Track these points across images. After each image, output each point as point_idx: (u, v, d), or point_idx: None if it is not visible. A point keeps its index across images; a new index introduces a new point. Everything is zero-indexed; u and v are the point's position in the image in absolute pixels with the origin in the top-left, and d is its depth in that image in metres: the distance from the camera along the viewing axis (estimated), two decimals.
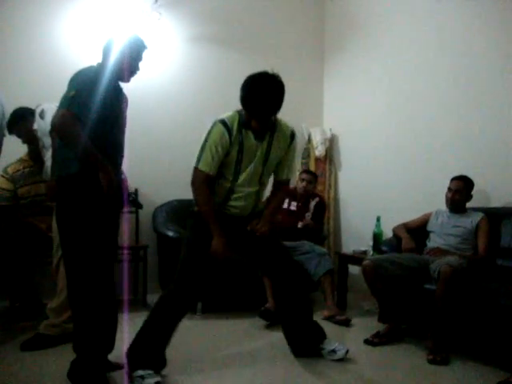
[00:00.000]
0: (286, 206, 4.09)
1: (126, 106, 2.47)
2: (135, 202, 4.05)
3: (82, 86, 2.17)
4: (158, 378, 2.29)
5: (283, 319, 2.80)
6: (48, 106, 2.83)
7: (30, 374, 2.46)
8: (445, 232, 3.28)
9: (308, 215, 4.14)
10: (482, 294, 2.73)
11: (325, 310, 3.66)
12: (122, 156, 2.44)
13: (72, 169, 2.21)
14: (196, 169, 2.45)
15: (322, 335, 2.80)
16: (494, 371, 2.59)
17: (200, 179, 2.44)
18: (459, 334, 2.92)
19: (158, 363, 2.40)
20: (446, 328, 2.82)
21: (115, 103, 2.33)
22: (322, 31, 5.23)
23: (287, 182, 2.75)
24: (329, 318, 3.57)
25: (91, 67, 2.30)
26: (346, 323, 3.49)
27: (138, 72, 2.42)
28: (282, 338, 3.16)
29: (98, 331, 2.24)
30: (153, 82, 4.30)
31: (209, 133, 2.45)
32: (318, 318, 3.63)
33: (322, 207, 4.27)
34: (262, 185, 2.62)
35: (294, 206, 4.14)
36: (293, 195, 4.15)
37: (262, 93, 2.34)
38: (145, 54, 2.43)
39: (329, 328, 3.43)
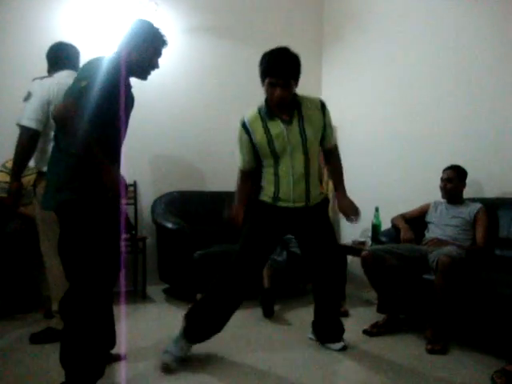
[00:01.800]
0: None
1: (133, 103, 2.32)
2: (129, 225, 4.04)
3: (94, 77, 1.98)
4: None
5: (318, 309, 2.85)
6: (36, 86, 2.69)
7: (36, 366, 2.47)
8: (443, 223, 3.29)
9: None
10: (480, 284, 2.75)
11: None
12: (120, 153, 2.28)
13: (64, 196, 2.02)
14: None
15: (338, 336, 2.83)
16: (492, 360, 2.61)
17: (238, 175, 2.68)
18: (457, 323, 2.93)
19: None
20: (444, 318, 2.84)
21: (125, 99, 2.16)
22: (321, 21, 5.20)
23: (335, 147, 2.77)
24: None
25: (105, 58, 2.09)
26: (345, 315, 3.50)
27: (157, 69, 2.27)
28: (279, 328, 3.20)
29: (98, 337, 2.08)
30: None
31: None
32: None
33: None
34: (309, 169, 2.54)
35: None
36: None
37: (276, 50, 2.44)
38: (164, 51, 2.28)
39: None
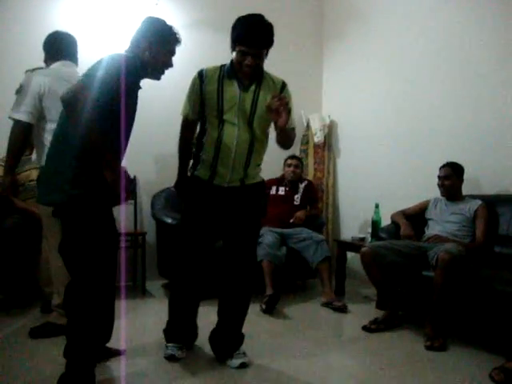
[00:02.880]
0: (273, 191, 4.15)
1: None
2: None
3: (109, 73, 1.92)
4: (173, 352, 2.51)
5: (220, 311, 2.60)
6: (27, 78, 2.66)
7: (36, 361, 2.46)
8: (443, 219, 3.29)
9: (297, 197, 4.18)
10: (480, 281, 2.74)
11: (322, 297, 3.69)
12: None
13: (75, 191, 1.97)
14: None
15: (235, 347, 2.54)
16: (491, 357, 2.61)
17: (181, 124, 2.56)
18: (457, 320, 2.94)
19: (182, 338, 2.60)
20: (443, 314, 2.84)
21: (135, 98, 2.15)
22: (322, 17, 5.19)
23: (291, 130, 2.47)
24: (326, 305, 3.59)
25: (119, 56, 2.01)
26: (344, 309, 3.50)
27: (170, 68, 2.22)
28: (278, 324, 3.20)
29: (96, 333, 2.09)
30: None
31: None
32: (316, 304, 3.68)
33: (311, 188, 4.33)
34: (253, 145, 2.40)
35: (282, 191, 4.17)
36: (280, 181, 4.20)
37: (251, 17, 2.41)
38: (178, 49, 2.24)
39: (326, 314, 3.47)
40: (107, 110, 1.94)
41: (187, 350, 2.59)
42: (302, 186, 4.26)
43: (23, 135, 2.63)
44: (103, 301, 2.10)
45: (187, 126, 2.54)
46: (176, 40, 2.20)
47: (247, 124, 2.38)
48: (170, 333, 2.60)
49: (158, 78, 2.23)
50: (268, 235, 3.78)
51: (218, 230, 2.53)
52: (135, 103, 2.19)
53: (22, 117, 2.59)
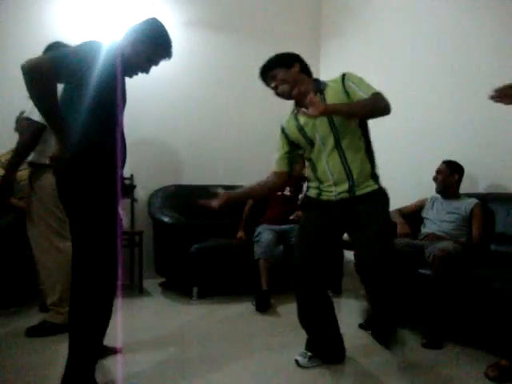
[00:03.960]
0: (279, 192, 4.13)
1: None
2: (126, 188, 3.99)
3: (84, 49, 1.95)
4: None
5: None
6: None
7: (33, 360, 2.46)
8: (439, 219, 3.29)
9: (302, 197, 4.19)
10: (476, 279, 2.75)
11: None
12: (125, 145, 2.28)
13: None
14: None
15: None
16: (486, 355, 2.62)
17: (272, 175, 2.63)
18: (453, 318, 2.94)
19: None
20: (439, 312, 2.85)
21: (119, 88, 2.08)
22: (319, 15, 5.19)
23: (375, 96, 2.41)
24: None
25: (106, 44, 2.03)
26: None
27: (144, 74, 2.17)
28: (275, 323, 3.20)
29: (97, 326, 2.10)
30: None
31: None
32: None
33: None
34: (345, 151, 2.41)
35: (287, 191, 4.16)
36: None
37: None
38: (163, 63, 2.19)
39: None
40: (95, 104, 1.95)
41: None
42: (305, 185, 4.24)
43: (37, 135, 2.67)
44: (108, 293, 2.10)
45: (270, 175, 2.61)
46: (165, 52, 2.14)
47: (333, 136, 2.41)
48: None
49: (129, 76, 2.17)
50: (265, 233, 3.79)
51: (331, 243, 2.50)
52: (123, 84, 2.15)
53: (39, 118, 2.60)
